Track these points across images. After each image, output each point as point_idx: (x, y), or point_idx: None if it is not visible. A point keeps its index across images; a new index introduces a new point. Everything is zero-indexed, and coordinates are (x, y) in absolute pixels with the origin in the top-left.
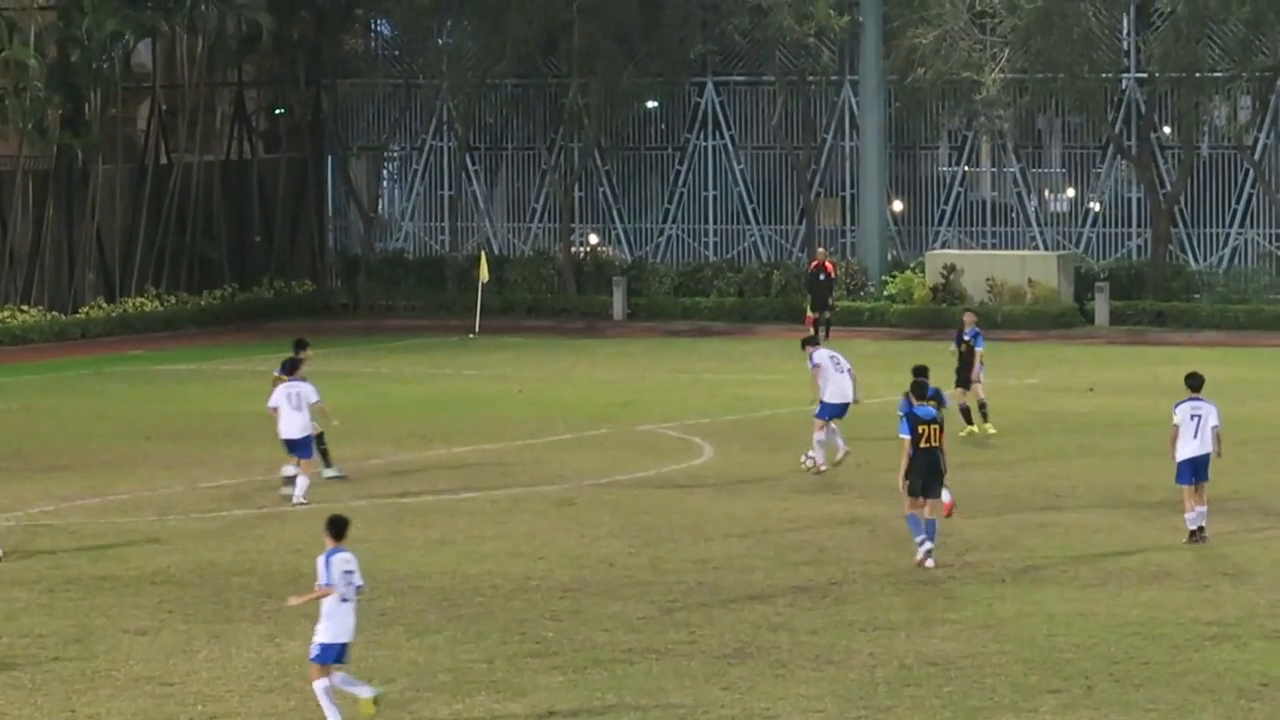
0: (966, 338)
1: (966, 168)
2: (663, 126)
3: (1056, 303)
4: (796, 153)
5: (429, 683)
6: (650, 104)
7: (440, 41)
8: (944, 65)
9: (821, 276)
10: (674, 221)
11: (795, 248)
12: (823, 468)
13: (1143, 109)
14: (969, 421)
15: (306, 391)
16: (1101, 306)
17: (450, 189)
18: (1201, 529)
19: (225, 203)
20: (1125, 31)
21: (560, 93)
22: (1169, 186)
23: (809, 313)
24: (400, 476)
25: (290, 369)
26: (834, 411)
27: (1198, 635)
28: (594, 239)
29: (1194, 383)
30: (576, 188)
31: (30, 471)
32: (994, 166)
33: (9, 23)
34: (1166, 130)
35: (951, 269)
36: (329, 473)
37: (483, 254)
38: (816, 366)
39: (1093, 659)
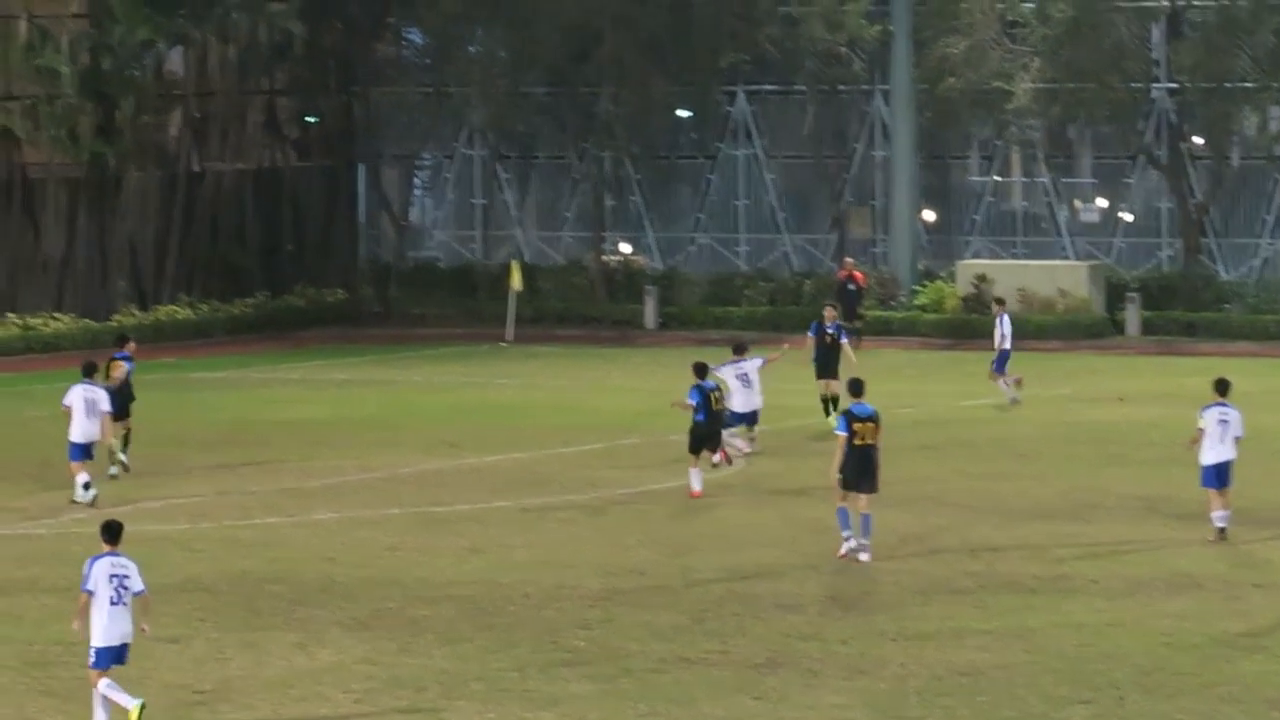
0: (830, 330)
1: (997, 177)
2: (694, 135)
3: (1087, 313)
4: (827, 162)
5: (461, 691)
6: (681, 113)
7: (471, 50)
8: (975, 75)
9: (850, 286)
10: (705, 230)
11: (826, 257)
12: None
13: (1173, 119)
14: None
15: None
16: (1132, 317)
17: (482, 197)
18: (1223, 529)
19: (257, 211)
20: (1156, 41)
21: (591, 101)
22: (1199, 196)
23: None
24: (432, 485)
25: (89, 372)
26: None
27: (1228, 646)
28: (625, 248)
29: (1222, 388)
30: (608, 196)
31: (62, 480)
32: (1024, 176)
33: (41, 30)
34: (1197, 140)
35: (982, 279)
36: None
37: (514, 262)
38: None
39: (1123, 669)
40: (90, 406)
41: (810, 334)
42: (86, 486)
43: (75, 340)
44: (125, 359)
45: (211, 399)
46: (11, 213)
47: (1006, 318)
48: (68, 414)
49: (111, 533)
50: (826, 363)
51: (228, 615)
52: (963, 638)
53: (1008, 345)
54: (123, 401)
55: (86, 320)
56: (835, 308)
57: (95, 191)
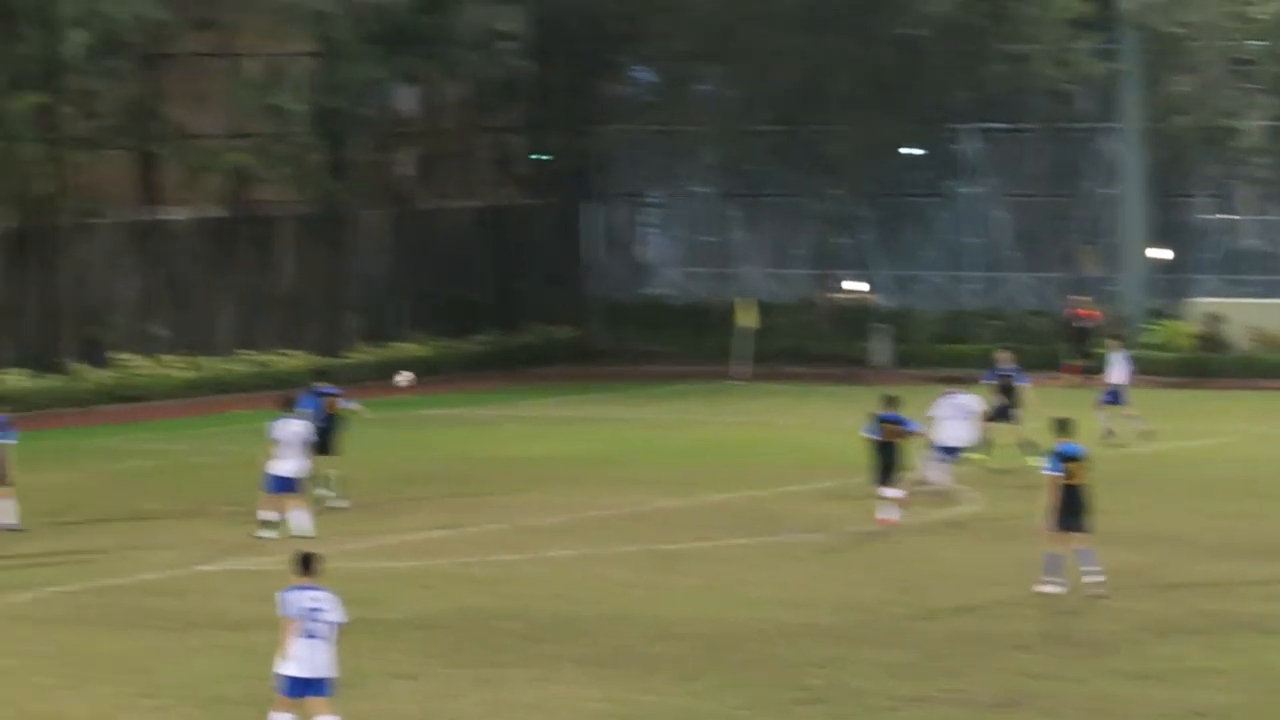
0: (1004, 373)
1: (1229, 215)
2: (923, 173)
3: None
4: (1057, 200)
5: None
6: (910, 151)
7: (701, 89)
8: (1204, 112)
9: (1080, 324)
10: (935, 268)
11: (1057, 295)
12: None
13: None
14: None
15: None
16: None
17: (711, 235)
18: None
19: (487, 248)
20: None
21: (821, 140)
22: None
23: (1069, 360)
24: (664, 522)
25: (289, 405)
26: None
27: None
28: (855, 285)
29: None
30: (837, 234)
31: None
32: (1257, 214)
33: (272, 69)
34: None
35: (1215, 318)
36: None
37: (744, 300)
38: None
39: None
40: (294, 441)
41: (987, 379)
42: (269, 525)
43: (309, 376)
44: (333, 394)
45: (443, 436)
46: (245, 250)
47: (1123, 355)
48: (272, 448)
49: (305, 565)
50: (1002, 407)
51: (461, 652)
52: (1200, 677)
53: (1120, 381)
54: (332, 437)
55: (320, 356)
56: (1009, 350)
57: (327, 229)
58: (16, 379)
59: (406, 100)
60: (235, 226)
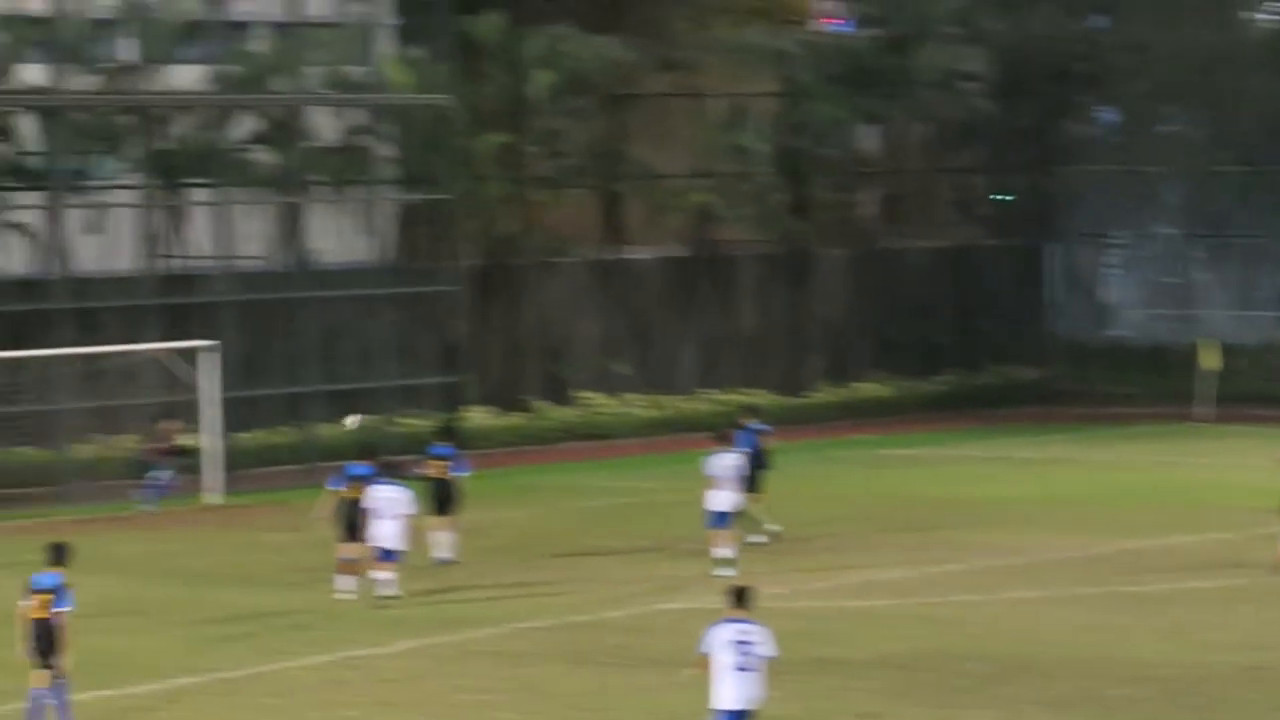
0: None
1: None
2: None
3: None
4: None
5: None
6: None
7: (1165, 129)
8: None
9: None
10: None
11: None
12: None
13: None
14: None
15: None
16: None
17: (1174, 276)
18: None
19: (949, 288)
20: None
21: None
22: None
23: None
24: (1128, 564)
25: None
26: None
27: None
28: None
29: None
30: None
31: (761, 553)
32: None
33: (738, 109)
34: None
35: None
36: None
37: (1208, 342)
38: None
39: None
40: (729, 475)
41: None
42: (727, 562)
43: (769, 416)
44: (766, 431)
45: (905, 476)
46: (707, 289)
47: None
48: (711, 483)
49: (739, 598)
50: None
51: (925, 692)
52: None
53: None
54: (761, 471)
55: (782, 395)
56: None
57: (789, 268)
58: (481, 417)
59: (868, 140)
60: (697, 265)
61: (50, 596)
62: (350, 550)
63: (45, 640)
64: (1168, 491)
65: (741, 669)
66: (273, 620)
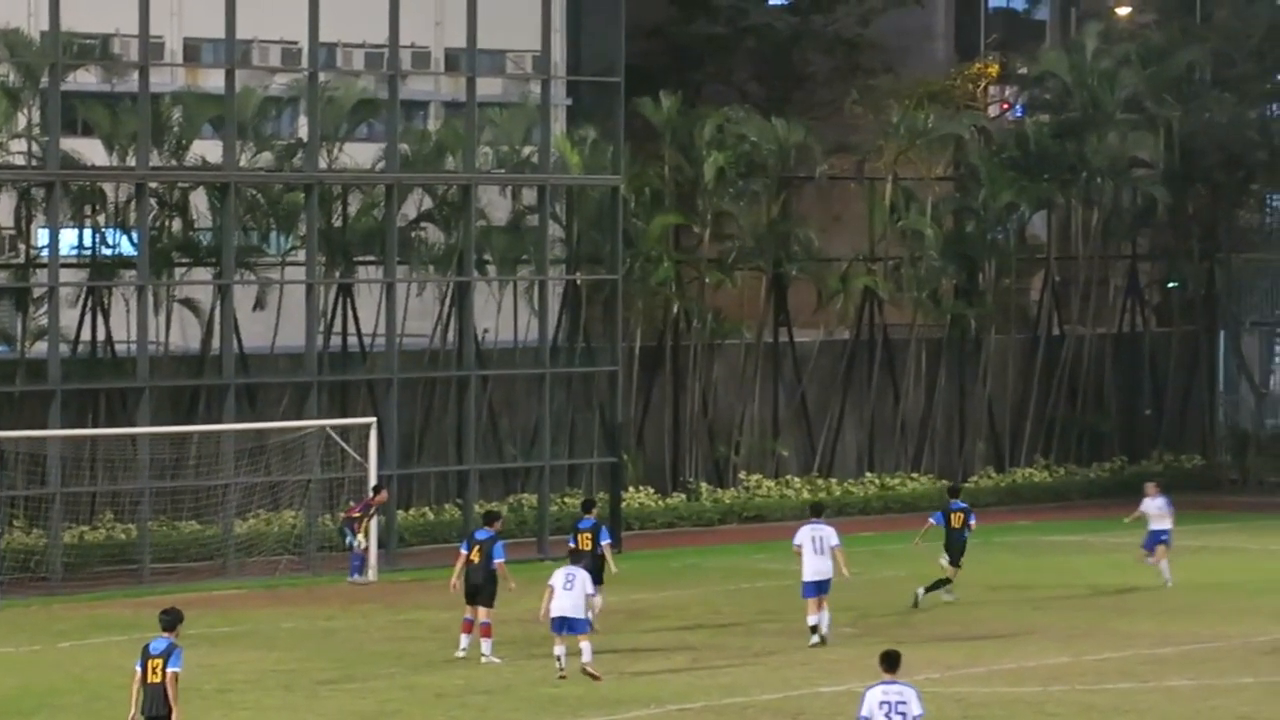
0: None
1: None
2: None
3: None
4: None
5: None
6: None
7: None
8: None
9: None
10: None
11: None
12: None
13: None
14: None
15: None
16: None
17: None
18: None
19: (1116, 375)
20: None
21: None
22: None
23: None
24: None
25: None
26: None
27: None
28: None
29: None
30: None
31: (918, 639)
32: None
33: (907, 193)
34: None
35: None
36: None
37: None
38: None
39: None
40: (818, 545)
41: None
42: (814, 630)
43: (932, 501)
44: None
45: (1066, 562)
46: (872, 372)
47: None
48: (798, 553)
49: (889, 662)
50: None
51: None
52: None
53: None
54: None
55: (944, 480)
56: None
57: (955, 353)
58: (645, 497)
59: (1039, 226)
60: (862, 348)
61: (162, 660)
62: (471, 611)
63: (158, 704)
64: None
65: None
66: (421, 693)
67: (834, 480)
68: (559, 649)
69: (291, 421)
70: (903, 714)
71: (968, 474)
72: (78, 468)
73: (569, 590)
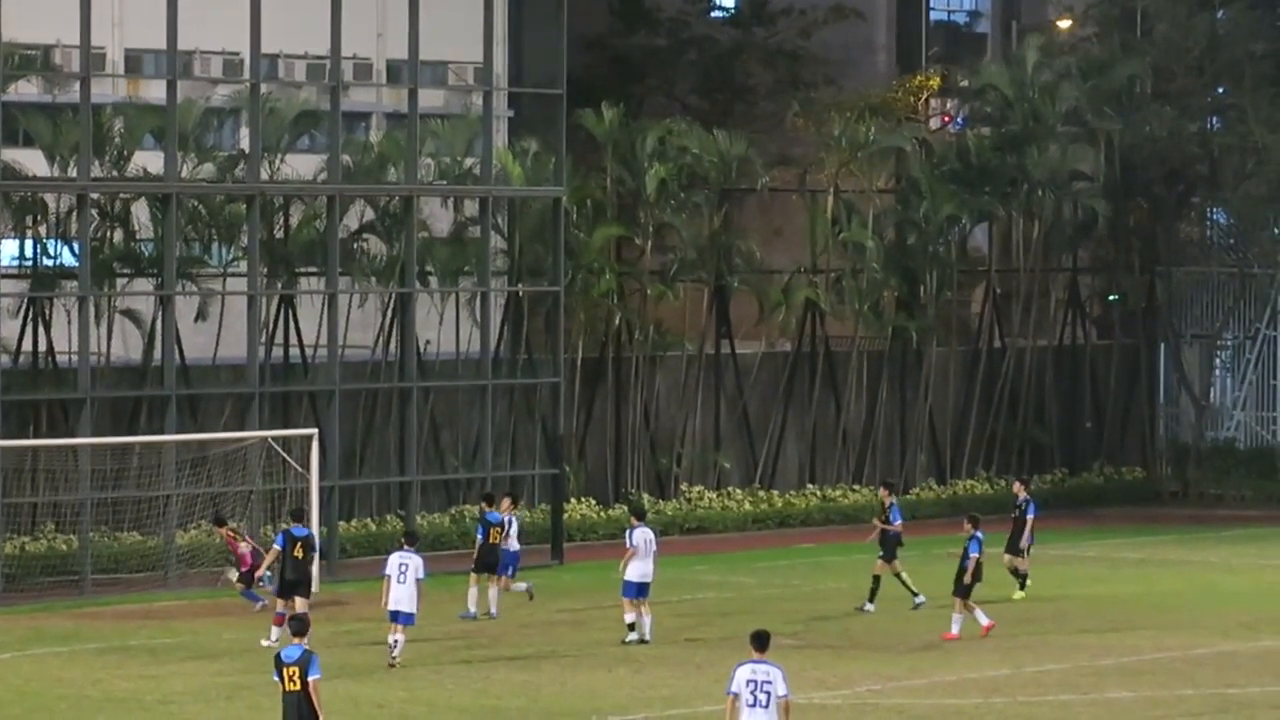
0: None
1: None
2: None
3: None
4: None
5: None
6: None
7: (1276, 231)
8: None
9: None
10: None
11: None
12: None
13: None
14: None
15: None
16: None
17: None
18: None
19: (1056, 387)
20: None
21: None
22: None
23: None
24: (1228, 668)
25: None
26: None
27: None
28: None
29: None
30: None
31: (858, 650)
32: None
33: (848, 205)
34: None
35: None
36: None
37: None
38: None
39: None
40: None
41: None
42: (632, 627)
43: (872, 512)
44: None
45: (1006, 575)
46: (814, 384)
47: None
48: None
49: (759, 641)
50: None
51: None
52: None
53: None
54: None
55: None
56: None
57: (897, 365)
58: (586, 509)
59: (980, 239)
60: (803, 360)
61: (299, 669)
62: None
63: (297, 712)
64: (1271, 594)
65: (753, 705)
66: (363, 704)
67: (775, 492)
68: (393, 637)
69: (233, 433)
70: (768, 693)
71: (909, 486)
72: (19, 479)
73: (402, 584)
